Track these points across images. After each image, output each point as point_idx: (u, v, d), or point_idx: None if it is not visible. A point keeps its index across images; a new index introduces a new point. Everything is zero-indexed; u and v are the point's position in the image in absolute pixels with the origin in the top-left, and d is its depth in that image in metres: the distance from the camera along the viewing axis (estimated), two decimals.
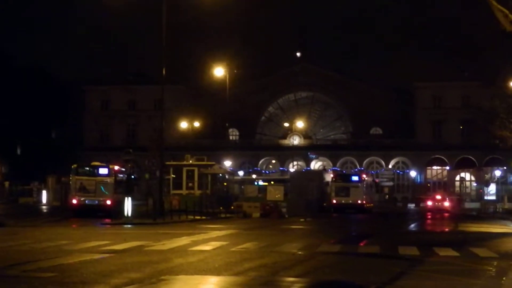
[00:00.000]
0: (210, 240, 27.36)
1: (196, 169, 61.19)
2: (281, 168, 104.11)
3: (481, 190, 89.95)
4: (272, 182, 68.31)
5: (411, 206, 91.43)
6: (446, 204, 73.83)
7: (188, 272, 17.56)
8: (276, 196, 54.80)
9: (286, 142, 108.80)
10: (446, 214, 66.71)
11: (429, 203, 75.46)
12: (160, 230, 33.89)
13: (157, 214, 42.13)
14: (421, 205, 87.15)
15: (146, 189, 61.30)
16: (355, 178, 66.45)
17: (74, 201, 45.65)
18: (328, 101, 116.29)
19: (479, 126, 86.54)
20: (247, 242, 26.20)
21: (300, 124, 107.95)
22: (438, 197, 76.56)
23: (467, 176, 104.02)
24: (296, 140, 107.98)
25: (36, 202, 74.24)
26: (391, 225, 45.34)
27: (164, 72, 47.18)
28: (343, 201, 63.66)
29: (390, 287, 15.91)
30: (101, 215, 43.89)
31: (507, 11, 26.19)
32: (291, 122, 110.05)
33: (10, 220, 39.36)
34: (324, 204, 65.15)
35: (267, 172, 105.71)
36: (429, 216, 61.49)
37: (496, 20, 26.78)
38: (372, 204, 70.53)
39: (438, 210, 71.27)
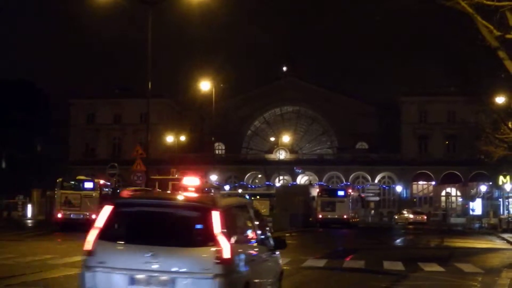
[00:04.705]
0: None
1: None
2: (267, 183, 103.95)
3: (466, 205, 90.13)
4: (258, 197, 68.13)
5: None
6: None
7: None
8: (262, 211, 54.64)
9: (272, 156, 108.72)
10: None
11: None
12: None
13: None
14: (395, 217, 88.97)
15: None
16: (341, 193, 66.45)
17: (59, 215, 45.33)
18: (314, 116, 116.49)
19: (464, 141, 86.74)
20: None
21: (286, 138, 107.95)
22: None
23: (453, 191, 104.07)
24: (282, 155, 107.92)
25: (21, 216, 73.87)
26: (377, 240, 45.30)
27: (149, 85, 46.94)
28: (329, 216, 63.62)
29: None
30: (86, 229, 43.51)
31: (491, 27, 26.35)
32: (277, 137, 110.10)
33: None
34: (310, 219, 65.06)
35: (253, 186, 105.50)
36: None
37: (482, 36, 26.94)
38: (358, 219, 70.60)
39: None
